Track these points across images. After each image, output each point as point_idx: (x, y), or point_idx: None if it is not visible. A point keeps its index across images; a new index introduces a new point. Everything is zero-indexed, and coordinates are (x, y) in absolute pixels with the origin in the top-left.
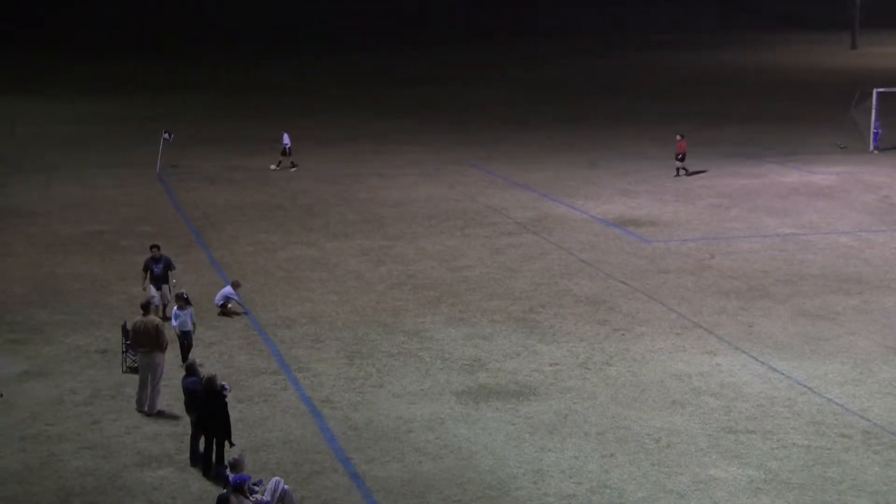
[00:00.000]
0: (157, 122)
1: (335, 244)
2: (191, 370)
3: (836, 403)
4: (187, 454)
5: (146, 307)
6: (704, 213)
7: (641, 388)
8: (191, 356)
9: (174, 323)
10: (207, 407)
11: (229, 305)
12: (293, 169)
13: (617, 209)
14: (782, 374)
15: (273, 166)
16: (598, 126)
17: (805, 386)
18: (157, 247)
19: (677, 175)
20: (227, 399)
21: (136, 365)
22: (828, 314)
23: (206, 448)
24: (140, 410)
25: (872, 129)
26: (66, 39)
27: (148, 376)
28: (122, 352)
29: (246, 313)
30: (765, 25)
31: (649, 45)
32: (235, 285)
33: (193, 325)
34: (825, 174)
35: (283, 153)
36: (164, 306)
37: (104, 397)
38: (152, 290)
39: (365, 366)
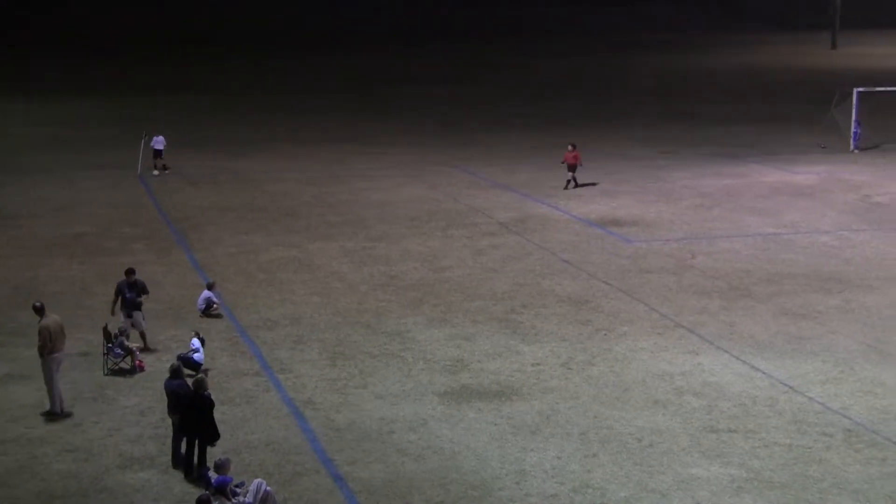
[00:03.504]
0: (141, 123)
1: (317, 245)
2: (175, 373)
3: (818, 402)
4: (169, 456)
5: (41, 309)
6: (686, 213)
7: (624, 388)
8: (177, 361)
9: (198, 357)
10: (194, 408)
11: (215, 304)
12: (155, 172)
13: (599, 209)
14: (764, 373)
15: (156, 172)
16: (581, 126)
17: (787, 385)
18: (134, 271)
19: (576, 187)
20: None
21: (117, 367)
22: (809, 313)
23: (188, 450)
24: (56, 413)
25: (853, 129)
26: (51, 40)
27: (55, 376)
28: (104, 354)
29: (220, 316)
30: (745, 26)
31: (632, 47)
32: (211, 286)
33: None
34: (806, 174)
35: (157, 156)
36: (142, 334)
37: (86, 400)
38: (122, 318)
39: (347, 367)
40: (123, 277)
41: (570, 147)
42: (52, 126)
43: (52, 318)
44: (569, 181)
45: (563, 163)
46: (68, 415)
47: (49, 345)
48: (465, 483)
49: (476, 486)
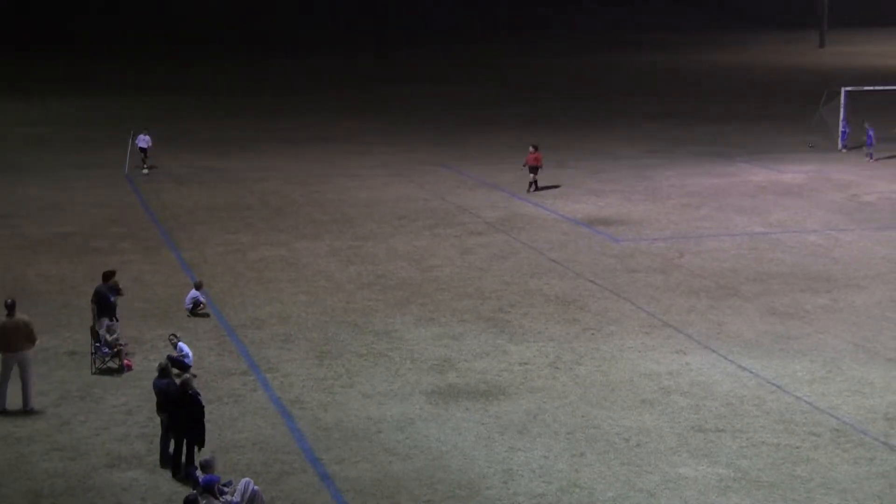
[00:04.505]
0: (129, 122)
1: (305, 244)
2: (164, 372)
3: (806, 402)
4: (157, 455)
5: (12, 307)
6: (674, 212)
7: (611, 388)
8: (164, 360)
9: (188, 360)
10: (181, 409)
11: (202, 304)
12: (145, 171)
13: (586, 208)
14: (751, 372)
15: (145, 170)
16: (568, 125)
17: (774, 384)
18: (114, 272)
19: (535, 190)
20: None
21: (105, 366)
22: (797, 313)
23: (175, 449)
24: (1, 410)
25: (841, 128)
26: (36, 38)
27: (10, 374)
28: (92, 353)
29: (208, 315)
30: (733, 25)
31: (620, 46)
32: (198, 286)
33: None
34: (794, 173)
35: (144, 154)
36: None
37: (73, 399)
38: (105, 323)
39: (335, 366)
40: (102, 281)
41: (531, 148)
42: (43, 125)
43: (14, 319)
44: (531, 183)
45: (524, 165)
46: (3, 411)
47: (2, 343)
48: (453, 482)
49: (463, 486)
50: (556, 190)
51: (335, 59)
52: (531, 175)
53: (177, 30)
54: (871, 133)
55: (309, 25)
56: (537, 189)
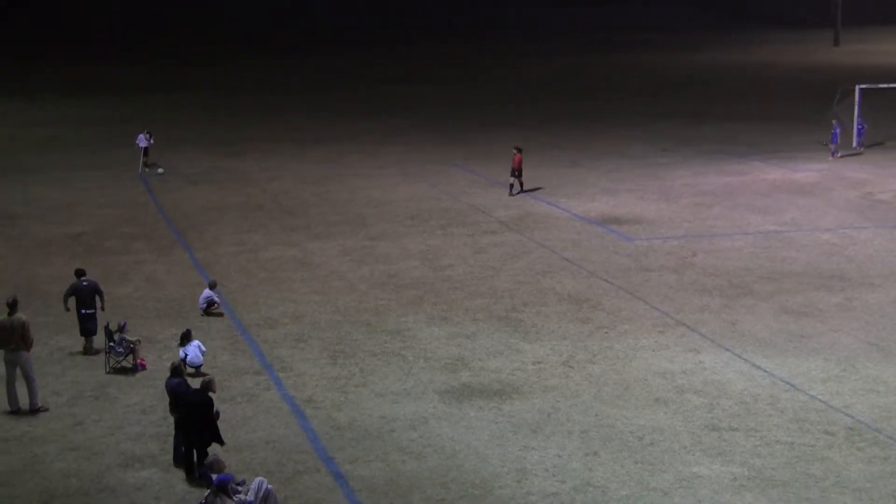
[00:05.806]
0: (137, 123)
1: (317, 244)
2: (176, 372)
3: (820, 400)
4: (171, 455)
5: (13, 305)
6: (687, 210)
7: (625, 386)
8: (177, 360)
9: (189, 359)
10: (194, 410)
11: (216, 303)
12: (160, 170)
13: (599, 207)
14: (765, 371)
15: (160, 170)
16: (578, 125)
17: (788, 383)
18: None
19: (511, 193)
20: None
21: (119, 366)
22: (811, 311)
23: (187, 450)
24: (14, 410)
25: (856, 126)
26: (42, 39)
27: (15, 373)
28: (106, 353)
29: (221, 314)
30: (747, 24)
31: (630, 45)
32: (213, 286)
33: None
34: (808, 171)
35: (146, 154)
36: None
37: (87, 398)
38: (119, 323)
39: (348, 365)
40: (77, 278)
41: (514, 150)
42: (51, 126)
43: (12, 318)
44: (512, 185)
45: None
46: (17, 411)
47: None
48: (466, 481)
49: (477, 485)
50: (569, 189)
51: (339, 59)
52: (511, 178)
53: (181, 30)
54: (840, 131)
55: (312, 25)
56: (512, 192)
